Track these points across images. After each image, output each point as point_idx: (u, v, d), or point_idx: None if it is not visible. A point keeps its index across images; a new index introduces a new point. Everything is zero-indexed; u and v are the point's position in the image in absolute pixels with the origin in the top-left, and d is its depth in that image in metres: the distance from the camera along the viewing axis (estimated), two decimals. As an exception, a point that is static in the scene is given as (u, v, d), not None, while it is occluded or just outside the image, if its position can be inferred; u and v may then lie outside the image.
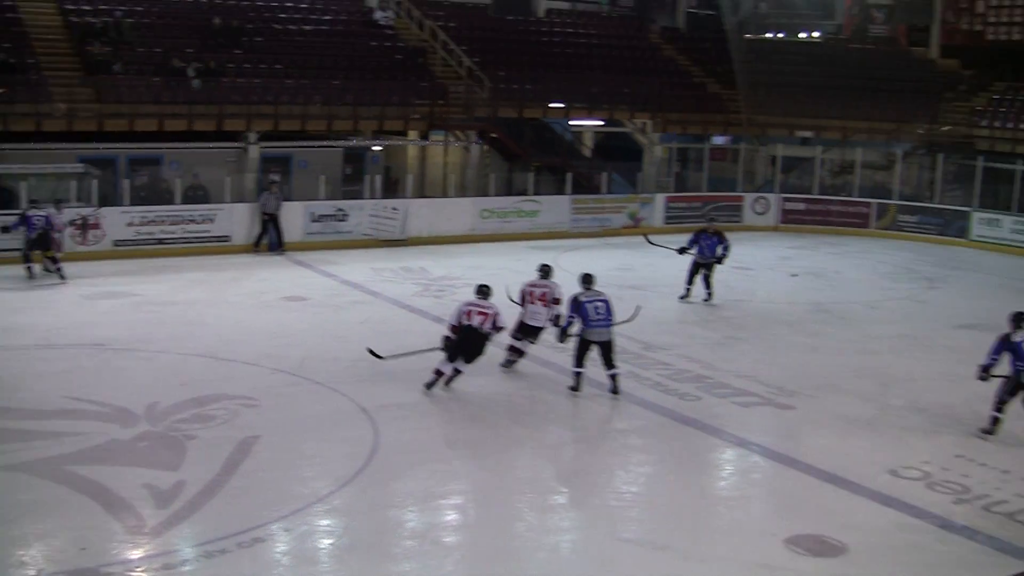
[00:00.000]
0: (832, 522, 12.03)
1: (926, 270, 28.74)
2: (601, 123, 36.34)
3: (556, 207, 32.30)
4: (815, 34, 44.84)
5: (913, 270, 28.91)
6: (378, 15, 35.11)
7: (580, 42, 38.73)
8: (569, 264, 26.86)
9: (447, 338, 16.24)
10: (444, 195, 32.18)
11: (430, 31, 34.88)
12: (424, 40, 34.84)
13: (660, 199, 34.36)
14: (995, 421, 15.33)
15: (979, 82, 39.62)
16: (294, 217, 28.26)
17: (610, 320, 16.45)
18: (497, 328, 16.34)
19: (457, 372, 16.29)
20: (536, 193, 32.62)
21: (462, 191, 32.10)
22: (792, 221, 35.42)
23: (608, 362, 16.38)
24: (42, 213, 23.48)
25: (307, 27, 33.56)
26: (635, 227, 32.87)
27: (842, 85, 38.48)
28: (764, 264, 28.87)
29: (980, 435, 15.28)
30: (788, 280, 26.96)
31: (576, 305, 16.34)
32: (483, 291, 16.70)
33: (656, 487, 13.46)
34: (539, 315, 17.42)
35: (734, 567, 10.99)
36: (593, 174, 35.29)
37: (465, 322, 16.13)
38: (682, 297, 23.99)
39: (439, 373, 16.20)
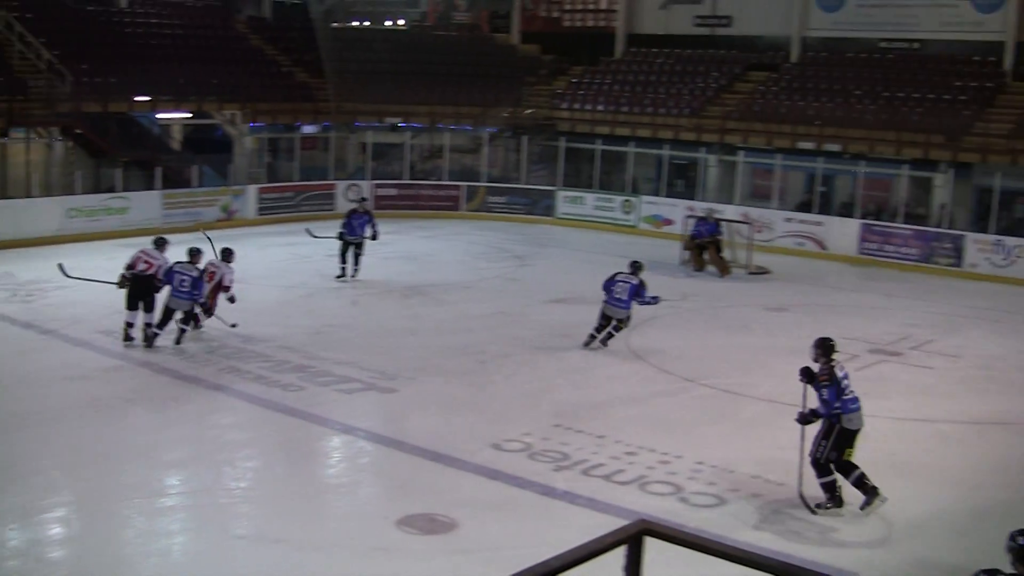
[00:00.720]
0: (441, 500, 12.34)
1: (517, 248, 29.75)
2: (189, 115, 35.66)
3: (146, 203, 31.41)
4: (400, 22, 45.54)
5: (504, 249, 29.85)
6: (-52, 6, 33.19)
7: (165, 33, 37.78)
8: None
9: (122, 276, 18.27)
10: (27, 195, 30.74)
11: (4, 22, 33.24)
12: (-1, 32, 33.25)
13: (252, 190, 34.03)
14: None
15: (558, 66, 41.34)
16: None
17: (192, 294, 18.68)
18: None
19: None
20: (125, 189, 31.61)
21: (47, 191, 30.77)
22: (385, 206, 35.77)
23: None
24: None
25: None
26: (228, 220, 32.47)
27: (428, 71, 39.28)
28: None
29: None
30: (384, 265, 27.17)
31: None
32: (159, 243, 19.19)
33: (265, 480, 13.39)
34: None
35: (349, 553, 11.08)
36: (183, 167, 34.55)
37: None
38: (338, 276, 24.81)
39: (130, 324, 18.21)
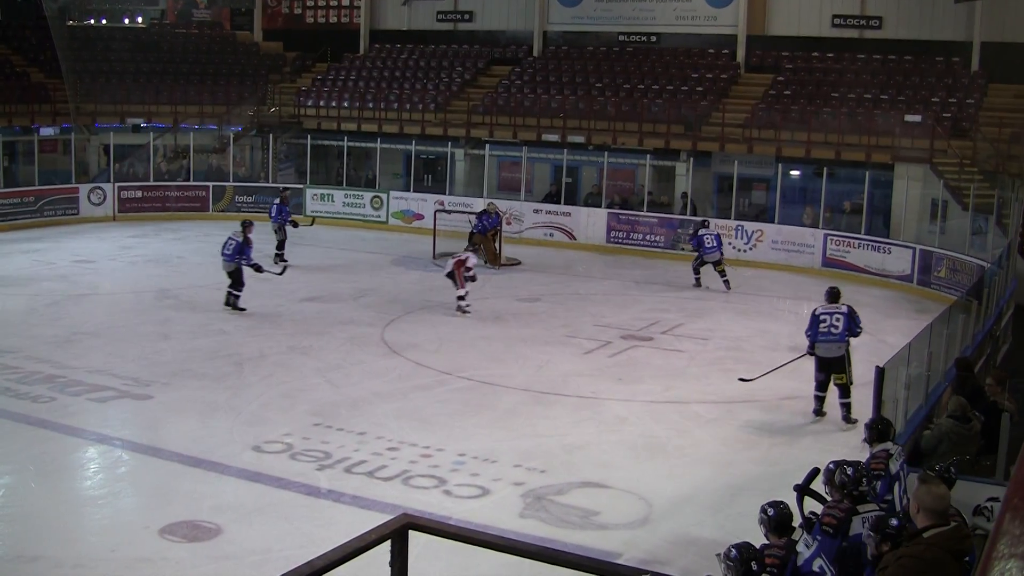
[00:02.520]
0: (203, 505, 12.13)
1: (267, 248, 29.31)
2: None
3: None
4: (139, 20, 44.52)
5: (255, 249, 29.31)
6: None
7: None
8: None
9: None
10: None
11: None
12: None
13: (-11, 196, 32.81)
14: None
15: (302, 64, 41.09)
16: None
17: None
18: None
19: None
20: None
21: None
22: (130, 210, 34.90)
23: None
24: None
25: None
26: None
27: (170, 71, 38.60)
28: (106, 255, 28.27)
29: None
30: (132, 269, 26.55)
31: None
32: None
33: (19, 497, 12.85)
34: None
35: (112, 566, 10.77)
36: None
37: None
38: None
39: None
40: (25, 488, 13.15)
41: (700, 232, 25.91)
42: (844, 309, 15.91)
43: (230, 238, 22.49)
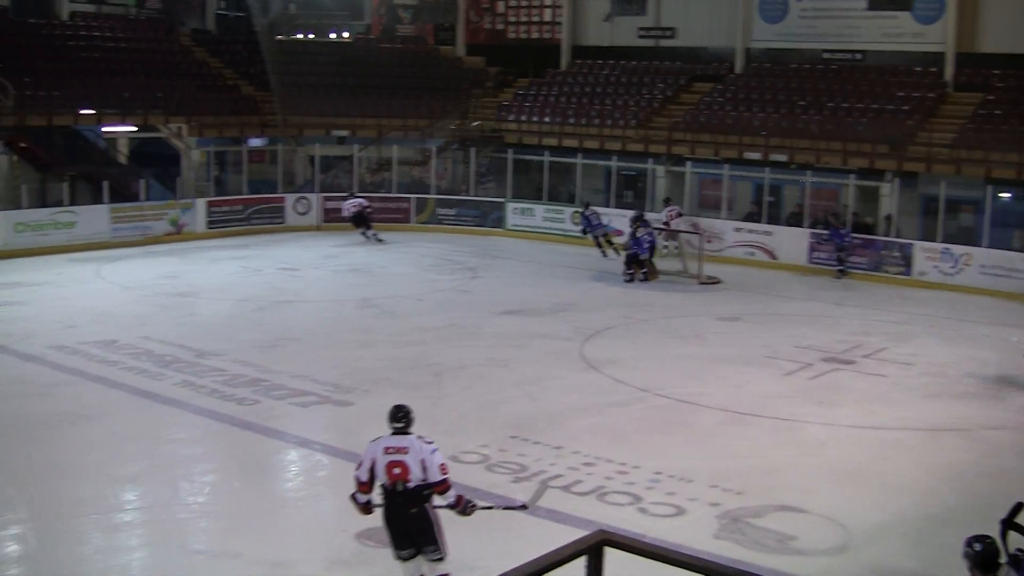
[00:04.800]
0: (400, 513, 12.27)
1: (468, 260, 29.69)
2: (135, 129, 35.38)
3: (94, 217, 31.15)
4: (345, 34, 45.45)
5: (455, 261, 29.80)
6: None
7: (108, 46, 37.51)
8: (112, 275, 26.22)
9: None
10: (-28, 210, 30.42)
11: (-55, 36, 32.98)
12: (-61, 46, 32.88)
13: (201, 204, 33.84)
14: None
15: (504, 79, 41.39)
16: None
17: None
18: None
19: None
20: (72, 203, 31.46)
21: (-8, 205, 30.49)
22: (334, 220, 35.66)
23: None
24: None
25: None
26: (177, 233, 32.29)
27: (375, 84, 39.23)
28: (310, 264, 28.99)
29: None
30: (335, 278, 27.17)
31: None
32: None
33: (222, 495, 13.29)
34: None
35: (309, 567, 11.01)
36: (130, 181, 34.31)
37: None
38: None
39: None
40: (229, 487, 13.56)
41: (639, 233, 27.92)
42: None
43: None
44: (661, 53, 39.57)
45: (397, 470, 9.92)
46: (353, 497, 10.08)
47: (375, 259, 30.13)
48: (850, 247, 29.07)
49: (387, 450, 10.03)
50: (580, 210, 30.97)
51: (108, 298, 24.16)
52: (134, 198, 32.85)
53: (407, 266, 29.26)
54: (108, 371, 17.93)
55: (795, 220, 32.10)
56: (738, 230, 31.80)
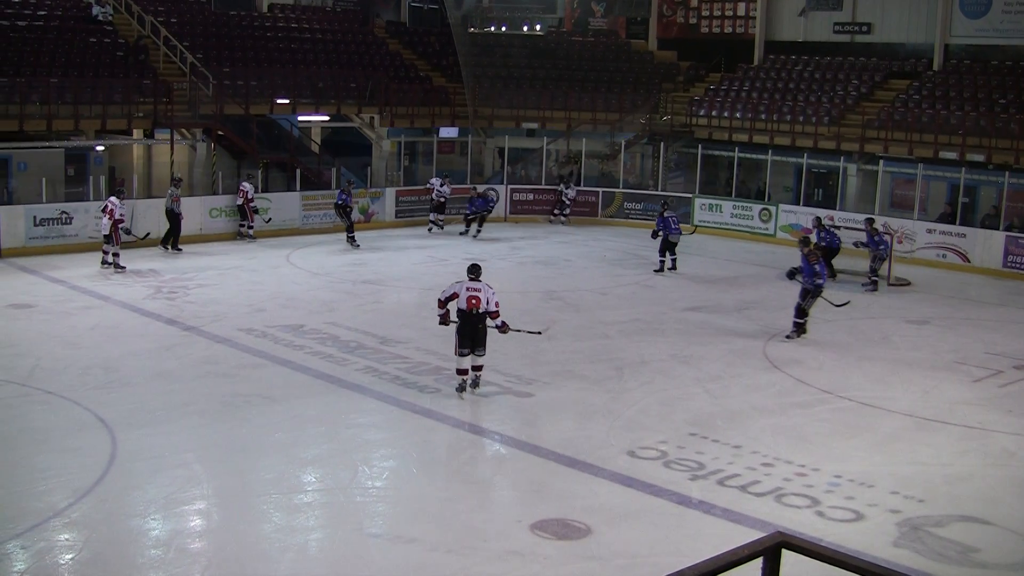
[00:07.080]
0: (575, 505, 12.30)
1: (653, 256, 29.50)
2: (328, 118, 36.13)
3: (286, 203, 31.96)
4: (537, 27, 45.70)
5: (640, 256, 29.65)
6: (96, 10, 34.00)
7: (305, 37, 38.43)
8: (301, 261, 26.81)
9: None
10: (172, 195, 31.37)
11: (151, 27, 34.06)
12: (145, 36, 33.99)
13: (390, 193, 34.40)
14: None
15: (695, 73, 41.13)
16: (15, 221, 27.03)
17: None
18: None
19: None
20: (265, 190, 32.27)
21: (190, 190, 31.41)
22: (521, 211, 35.93)
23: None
24: None
25: (20, 23, 32.22)
26: (367, 221, 32.85)
27: (565, 77, 39.40)
28: (496, 255, 29.18)
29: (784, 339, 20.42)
30: (520, 269, 27.32)
31: None
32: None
33: (400, 480, 13.45)
34: None
35: (482, 556, 11.08)
36: (322, 170, 35.07)
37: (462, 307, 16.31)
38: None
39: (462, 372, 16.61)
40: (407, 473, 13.71)
41: (666, 214, 28.07)
42: None
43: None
44: (856, 49, 38.90)
45: (474, 300, 16.04)
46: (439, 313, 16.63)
47: (560, 252, 30.21)
48: None
49: (468, 288, 16.14)
50: (659, 211, 29.43)
51: (297, 284, 24.72)
52: (326, 186, 33.57)
53: (592, 260, 29.27)
54: (294, 355, 18.34)
55: (991, 222, 31.13)
56: (930, 231, 31.01)
